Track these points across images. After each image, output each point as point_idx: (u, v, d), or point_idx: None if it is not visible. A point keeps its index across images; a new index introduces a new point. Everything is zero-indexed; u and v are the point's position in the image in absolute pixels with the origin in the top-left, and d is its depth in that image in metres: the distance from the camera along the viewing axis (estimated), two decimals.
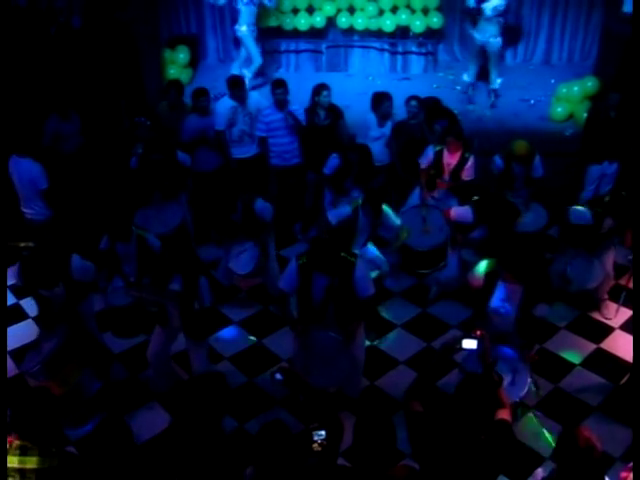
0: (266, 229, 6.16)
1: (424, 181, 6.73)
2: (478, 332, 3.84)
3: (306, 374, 4.68)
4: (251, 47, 9.26)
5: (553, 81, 9.37)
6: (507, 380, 4.41)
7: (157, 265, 5.18)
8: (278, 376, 3.88)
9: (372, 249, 6.01)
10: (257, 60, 9.33)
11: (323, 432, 3.39)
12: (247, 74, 9.11)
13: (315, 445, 3.36)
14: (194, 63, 10.32)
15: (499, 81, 9.10)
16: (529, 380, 4.59)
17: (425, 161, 6.67)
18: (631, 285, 5.82)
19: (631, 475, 3.42)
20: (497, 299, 4.74)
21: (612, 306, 6.27)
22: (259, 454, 3.20)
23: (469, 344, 3.78)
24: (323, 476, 3.36)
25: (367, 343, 5.90)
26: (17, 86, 7.61)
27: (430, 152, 6.64)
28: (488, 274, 4.77)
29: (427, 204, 6.63)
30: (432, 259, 6.66)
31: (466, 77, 9.29)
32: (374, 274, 5.56)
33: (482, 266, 4.84)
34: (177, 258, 5.11)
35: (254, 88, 8.89)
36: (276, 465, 3.18)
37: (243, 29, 9.11)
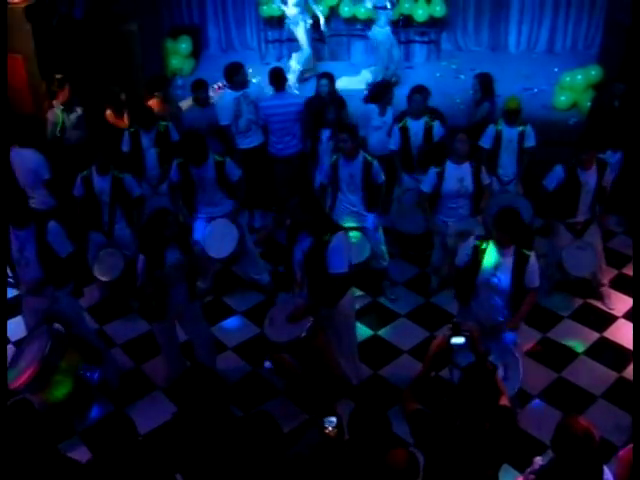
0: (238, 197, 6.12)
1: (400, 163, 6.71)
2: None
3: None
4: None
5: (556, 70, 9.33)
6: (500, 375, 4.36)
7: (132, 209, 5.28)
8: (267, 364, 3.90)
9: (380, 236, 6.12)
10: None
11: (334, 419, 3.40)
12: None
13: (328, 431, 3.37)
14: (196, 53, 10.33)
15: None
16: (521, 372, 4.48)
17: (394, 142, 6.65)
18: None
19: (630, 454, 3.43)
20: (488, 269, 4.57)
21: (615, 295, 6.27)
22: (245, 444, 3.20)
23: (457, 340, 3.82)
24: (323, 465, 3.36)
25: (370, 332, 5.98)
26: None
27: (395, 130, 6.62)
28: (477, 246, 4.63)
29: (403, 188, 6.66)
30: (422, 242, 6.69)
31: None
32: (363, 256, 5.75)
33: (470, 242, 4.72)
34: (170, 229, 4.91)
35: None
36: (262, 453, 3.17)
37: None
